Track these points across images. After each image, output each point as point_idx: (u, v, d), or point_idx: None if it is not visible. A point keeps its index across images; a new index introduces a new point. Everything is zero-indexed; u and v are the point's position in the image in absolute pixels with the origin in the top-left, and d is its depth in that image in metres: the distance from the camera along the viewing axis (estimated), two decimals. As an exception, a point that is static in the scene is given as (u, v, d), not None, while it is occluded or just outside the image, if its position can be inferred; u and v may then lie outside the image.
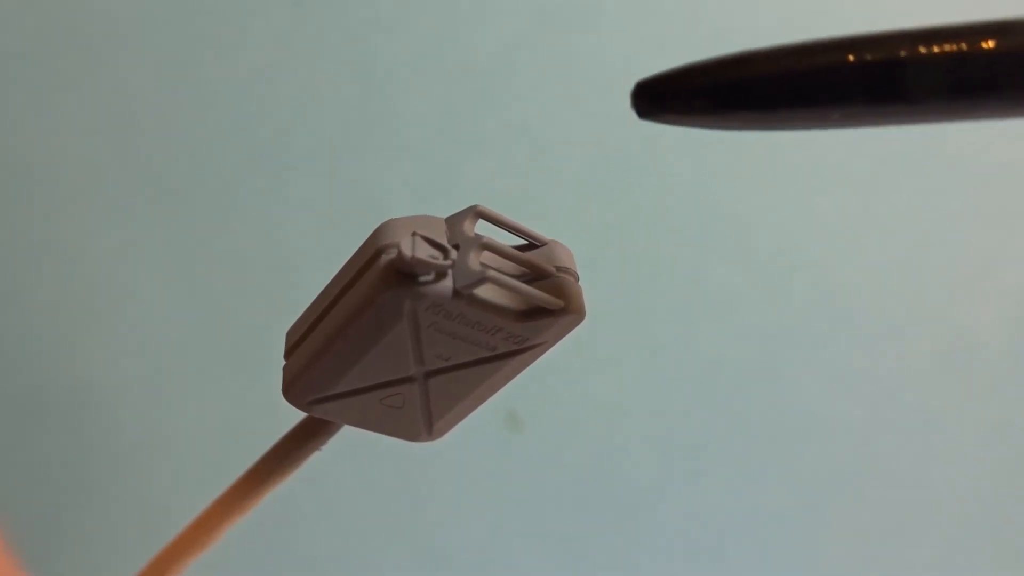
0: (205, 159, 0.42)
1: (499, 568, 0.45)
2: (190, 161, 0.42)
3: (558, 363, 0.43)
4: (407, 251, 0.13)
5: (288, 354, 0.16)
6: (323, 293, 0.16)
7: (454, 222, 0.14)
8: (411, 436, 0.16)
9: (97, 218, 0.42)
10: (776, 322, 0.42)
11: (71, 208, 0.42)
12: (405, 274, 0.13)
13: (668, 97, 0.11)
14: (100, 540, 0.45)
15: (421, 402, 0.16)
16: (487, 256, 0.14)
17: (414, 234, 0.13)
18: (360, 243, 0.15)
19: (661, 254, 0.42)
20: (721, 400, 0.43)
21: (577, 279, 0.15)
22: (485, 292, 0.14)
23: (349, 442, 0.46)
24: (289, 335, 0.16)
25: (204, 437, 0.44)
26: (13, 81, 0.41)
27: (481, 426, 0.43)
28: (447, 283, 0.13)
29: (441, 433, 0.17)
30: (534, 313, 0.14)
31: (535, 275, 0.15)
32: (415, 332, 0.14)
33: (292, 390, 0.16)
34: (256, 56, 0.41)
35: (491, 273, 0.13)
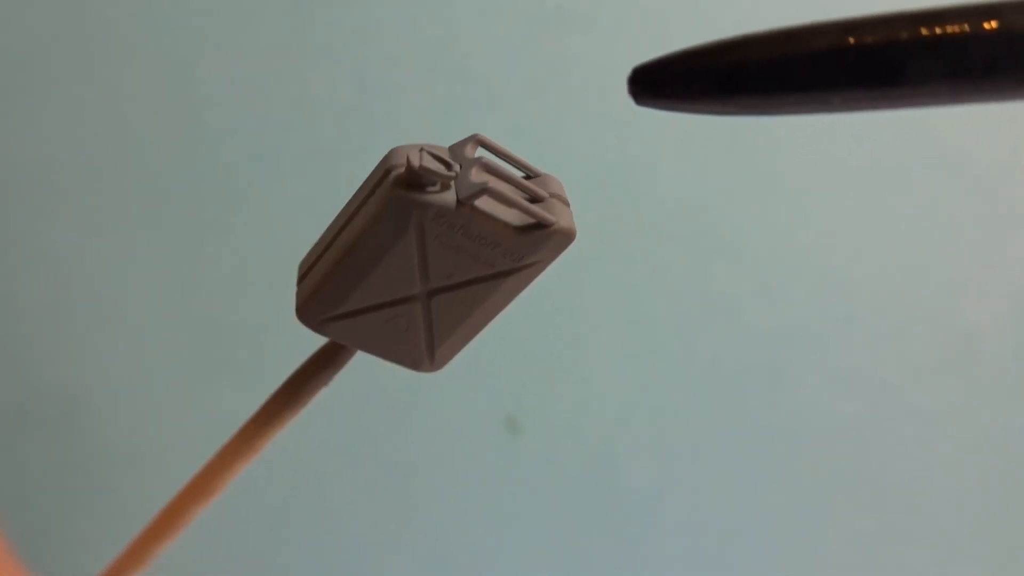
0: (200, 163, 0.42)
1: (499, 572, 0.44)
2: (184, 165, 0.42)
3: (558, 365, 0.43)
4: (415, 162, 0.14)
5: (300, 280, 0.17)
6: (334, 221, 0.17)
7: (457, 148, 0.16)
8: (414, 363, 0.17)
9: (90, 223, 0.42)
10: (776, 323, 0.42)
11: (64, 212, 0.42)
12: (413, 184, 0.14)
13: (666, 81, 0.10)
14: (94, 546, 0.45)
15: (424, 324, 0.16)
16: (487, 177, 0.15)
17: (421, 149, 0.14)
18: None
19: (660, 256, 0.42)
20: (721, 402, 0.43)
21: (568, 204, 0.16)
22: (485, 204, 0.15)
23: (350, 444, 0.46)
24: (301, 264, 0.17)
25: (199, 442, 0.44)
26: (6, 83, 0.41)
27: (480, 430, 0.43)
28: (451, 194, 0.15)
29: (442, 362, 0.17)
30: (530, 228, 0.15)
31: (530, 197, 0.16)
32: (421, 245, 0.15)
33: (304, 310, 0.16)
34: (253, 58, 0.41)
35: (491, 184, 0.15)
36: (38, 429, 0.44)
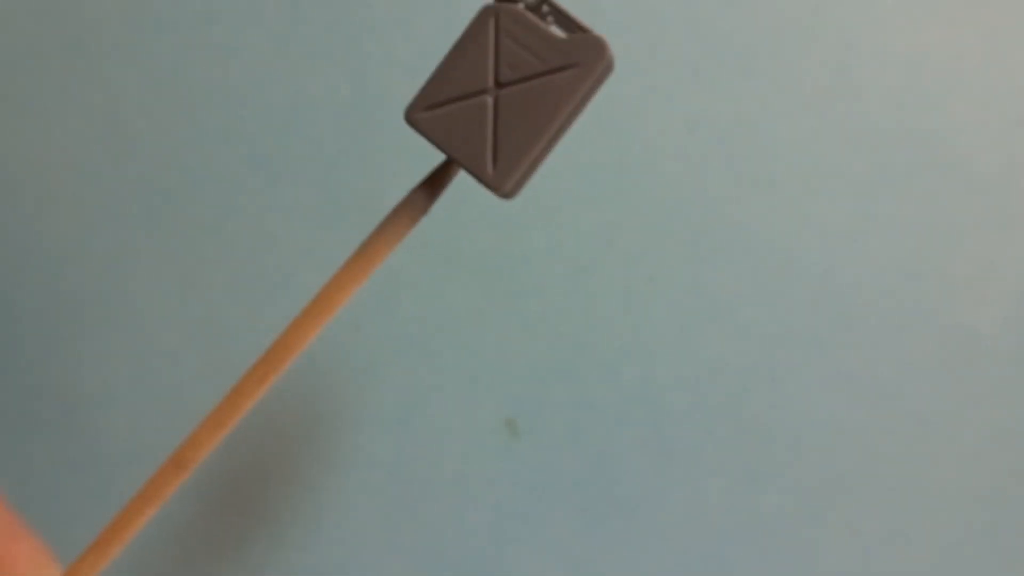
0: (199, 164, 0.41)
1: (499, 573, 0.44)
2: (183, 166, 0.42)
3: (558, 366, 0.43)
4: None
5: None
6: None
7: None
8: (481, 167, 0.21)
9: (89, 223, 0.42)
10: (776, 323, 0.42)
11: (62, 213, 0.42)
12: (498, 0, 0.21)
13: None
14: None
15: (492, 123, 0.21)
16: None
17: None
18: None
19: (659, 256, 0.42)
20: (721, 402, 0.43)
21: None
22: (546, 13, 0.21)
23: (350, 445, 0.46)
24: None
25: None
26: (4, 84, 0.41)
27: (480, 433, 0.43)
28: (521, 4, 0.21)
29: (506, 174, 0.21)
30: (577, 33, 0.21)
31: (578, 28, 0.21)
32: (496, 42, 0.21)
33: (412, 105, 0.21)
34: (251, 59, 0.41)
35: None
36: (36, 430, 0.44)
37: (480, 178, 0.21)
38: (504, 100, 0.21)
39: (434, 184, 0.22)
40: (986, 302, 0.41)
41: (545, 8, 0.21)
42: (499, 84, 0.21)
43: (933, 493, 0.43)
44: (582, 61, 0.21)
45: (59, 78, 0.41)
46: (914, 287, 0.41)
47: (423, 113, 0.21)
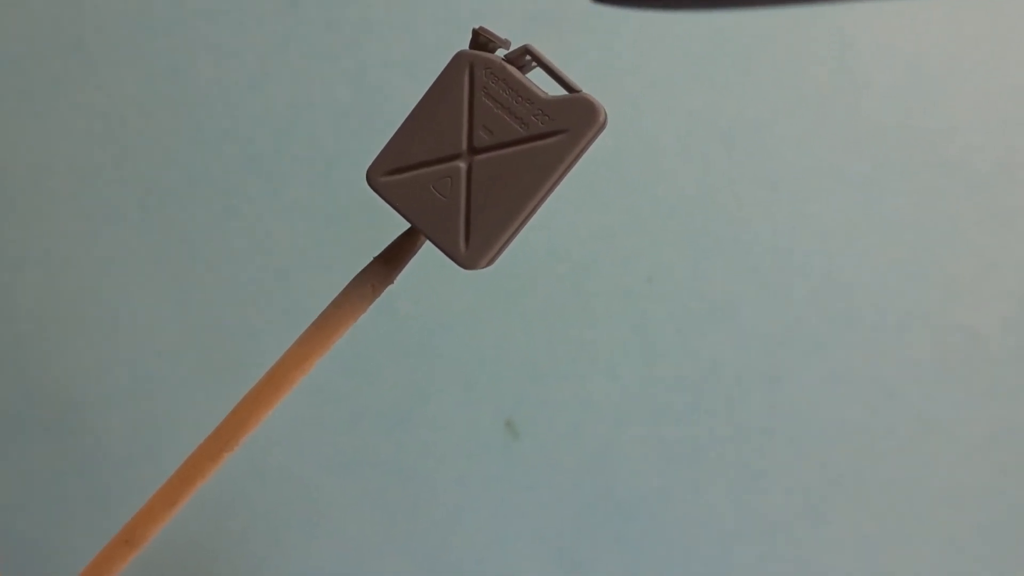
0: (197, 165, 0.41)
1: (499, 574, 0.44)
2: (182, 168, 0.41)
3: (558, 368, 0.43)
4: (477, 27, 0.18)
5: None
6: None
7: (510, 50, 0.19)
8: (451, 244, 0.18)
9: (87, 225, 0.42)
10: (776, 323, 0.42)
11: (61, 215, 0.42)
12: (473, 46, 0.18)
13: None
14: (91, 548, 0.45)
15: (465, 191, 0.18)
16: (531, 46, 0.18)
17: (482, 27, 0.18)
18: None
19: (659, 256, 0.42)
20: (721, 403, 0.43)
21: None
22: (527, 65, 0.18)
23: (350, 447, 0.46)
24: None
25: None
26: (4, 86, 0.41)
27: (480, 435, 0.43)
28: (500, 53, 0.18)
29: (479, 252, 0.18)
30: (562, 92, 0.18)
31: (565, 86, 0.18)
32: (471, 97, 0.18)
33: (372, 168, 0.19)
34: (250, 61, 0.41)
35: (532, 45, 0.18)
36: (35, 431, 0.44)
37: (451, 255, 0.18)
38: (479, 168, 0.18)
39: (396, 254, 0.19)
40: (986, 302, 0.41)
41: (527, 58, 0.18)
42: (473, 149, 0.18)
43: (933, 493, 0.43)
44: (570, 127, 0.18)
45: (59, 78, 0.41)
46: (914, 287, 0.41)
47: (387, 177, 0.18)
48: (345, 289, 0.19)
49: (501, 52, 0.18)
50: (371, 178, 0.18)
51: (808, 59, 0.40)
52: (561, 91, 0.18)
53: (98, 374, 0.43)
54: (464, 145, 0.18)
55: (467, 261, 0.18)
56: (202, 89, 0.41)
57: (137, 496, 0.47)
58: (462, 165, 0.18)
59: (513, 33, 0.40)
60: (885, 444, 0.43)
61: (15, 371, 0.43)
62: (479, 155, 0.18)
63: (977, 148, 0.40)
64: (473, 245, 0.18)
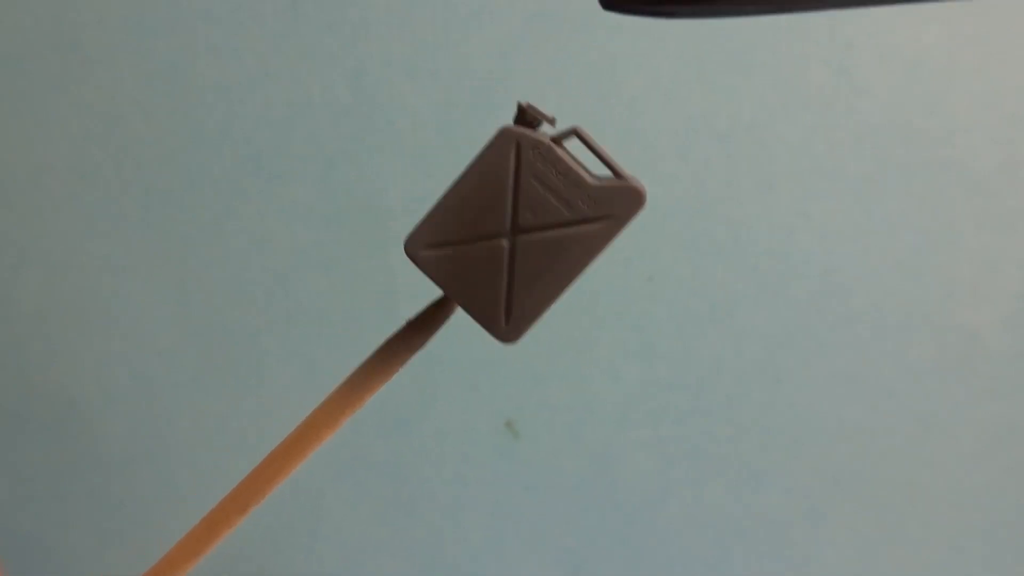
0: (197, 166, 0.41)
1: (499, 574, 0.44)
2: (181, 168, 0.41)
3: (558, 368, 0.43)
4: (523, 103, 0.17)
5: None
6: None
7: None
8: (491, 320, 0.18)
9: (87, 226, 0.42)
10: (776, 323, 0.42)
11: (60, 216, 0.42)
12: (520, 122, 0.18)
13: None
14: (90, 549, 0.45)
15: (508, 268, 0.18)
16: (578, 128, 0.18)
17: (527, 102, 0.17)
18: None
19: (659, 256, 0.42)
20: (721, 403, 0.43)
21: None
22: (574, 147, 0.18)
23: (351, 448, 0.46)
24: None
25: (194, 446, 0.43)
26: (4, 84, 0.41)
27: (480, 435, 0.43)
28: (547, 132, 0.18)
29: (517, 327, 0.18)
30: (610, 177, 0.18)
31: (613, 171, 0.18)
32: (516, 177, 0.18)
33: (412, 239, 0.18)
34: (249, 60, 0.41)
35: (581, 128, 0.18)
36: (33, 432, 0.43)
37: (489, 330, 0.18)
38: (522, 248, 0.18)
39: (428, 323, 0.19)
40: (986, 302, 0.41)
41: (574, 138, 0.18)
42: (517, 229, 0.18)
43: (933, 493, 0.43)
44: (615, 213, 0.18)
45: (59, 78, 0.41)
46: (914, 287, 0.41)
47: (428, 251, 0.18)
48: (375, 352, 0.19)
49: (546, 127, 0.18)
50: (411, 251, 0.18)
51: (807, 60, 0.40)
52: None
53: (98, 374, 0.43)
54: (508, 225, 0.18)
55: (505, 336, 0.18)
56: (202, 89, 0.41)
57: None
58: (505, 244, 0.18)
59: (513, 33, 0.40)
60: (885, 444, 0.43)
61: (15, 371, 0.43)
62: (523, 235, 0.18)
63: (977, 148, 0.40)
64: (513, 322, 0.18)
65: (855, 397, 0.42)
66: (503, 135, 0.18)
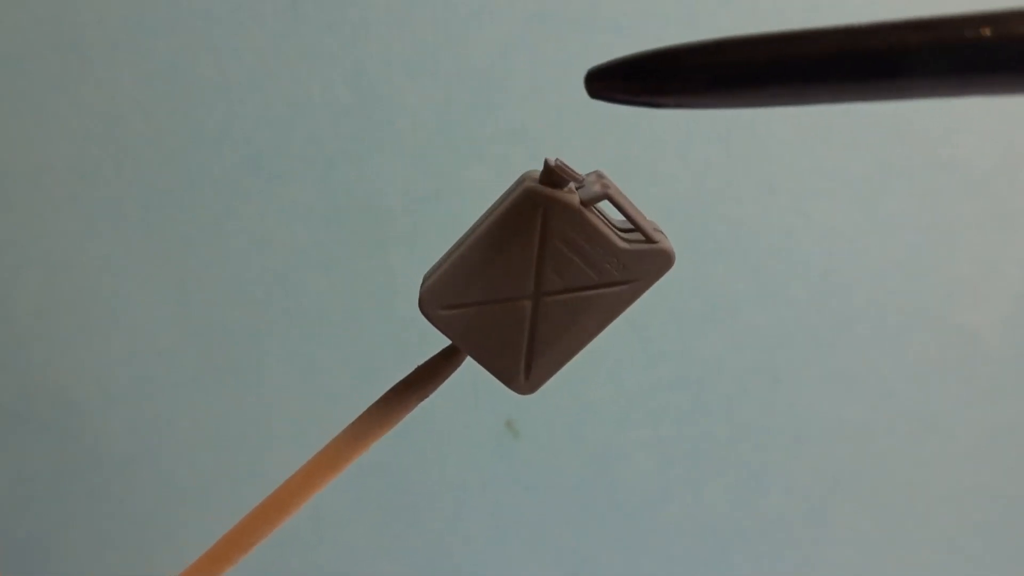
0: (196, 166, 0.41)
1: (499, 574, 0.44)
2: (181, 168, 0.41)
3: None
4: (551, 161, 0.16)
5: (426, 279, 0.18)
6: (465, 232, 0.18)
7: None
8: (510, 377, 0.18)
9: (86, 226, 0.42)
10: (776, 323, 0.42)
11: (60, 216, 0.42)
12: (547, 181, 0.16)
13: (690, 74, 0.10)
14: (89, 549, 0.45)
15: (530, 330, 0.17)
16: (608, 184, 0.17)
17: (556, 159, 0.16)
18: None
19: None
20: (721, 403, 0.43)
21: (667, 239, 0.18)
22: (604, 208, 0.17)
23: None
24: (431, 270, 0.18)
25: (194, 447, 0.43)
26: (4, 84, 0.41)
27: (480, 436, 0.43)
28: (576, 196, 0.16)
29: (536, 382, 0.18)
30: (640, 241, 0.17)
31: (643, 234, 0.17)
32: (543, 241, 0.17)
33: (427, 297, 0.17)
34: (249, 60, 0.41)
35: (611, 191, 0.16)
36: (33, 432, 0.43)
37: (507, 384, 0.18)
38: (545, 308, 0.17)
39: (436, 372, 0.18)
40: (986, 302, 0.41)
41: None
42: (541, 291, 0.17)
43: (933, 493, 0.43)
44: (644, 275, 0.17)
45: (59, 78, 0.41)
46: (914, 287, 0.41)
47: (445, 311, 0.17)
48: (381, 398, 0.19)
49: (574, 185, 0.17)
50: (427, 311, 0.17)
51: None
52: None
53: (98, 374, 0.43)
54: (532, 287, 0.17)
55: (524, 389, 0.18)
56: (202, 89, 0.41)
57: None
58: (528, 304, 0.17)
59: (513, 33, 0.40)
60: (885, 444, 0.43)
61: (15, 371, 0.43)
62: (547, 297, 0.17)
63: (977, 148, 0.40)
64: (533, 377, 0.18)
65: (855, 397, 0.42)
66: (529, 196, 0.16)
